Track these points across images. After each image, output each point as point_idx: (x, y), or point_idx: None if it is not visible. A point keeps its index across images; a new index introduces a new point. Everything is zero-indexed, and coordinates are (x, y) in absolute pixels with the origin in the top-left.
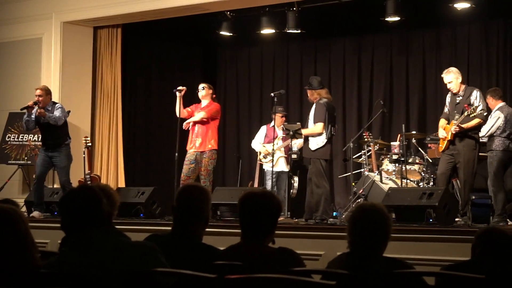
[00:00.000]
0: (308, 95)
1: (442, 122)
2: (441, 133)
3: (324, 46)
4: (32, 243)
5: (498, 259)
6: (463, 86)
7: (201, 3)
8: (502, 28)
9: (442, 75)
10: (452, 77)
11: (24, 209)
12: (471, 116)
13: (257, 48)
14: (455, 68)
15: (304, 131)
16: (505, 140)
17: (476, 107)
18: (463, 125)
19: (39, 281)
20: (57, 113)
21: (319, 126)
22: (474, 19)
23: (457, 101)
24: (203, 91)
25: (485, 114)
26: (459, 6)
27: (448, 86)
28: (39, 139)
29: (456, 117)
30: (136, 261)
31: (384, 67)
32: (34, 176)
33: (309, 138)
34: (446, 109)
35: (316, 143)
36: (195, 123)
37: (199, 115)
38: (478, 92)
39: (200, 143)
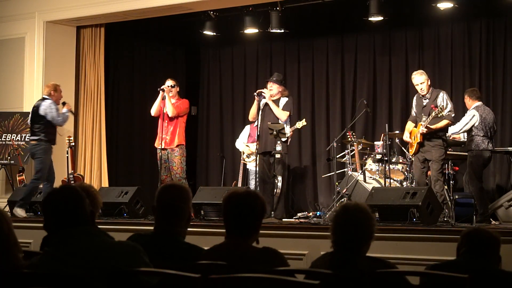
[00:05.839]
0: (273, 88)
1: (409, 125)
2: (406, 138)
3: (307, 46)
4: (15, 243)
5: (483, 259)
6: (430, 89)
7: (184, 2)
8: (484, 28)
9: (412, 76)
10: (423, 79)
11: (7, 209)
12: (439, 116)
13: (240, 48)
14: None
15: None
16: (484, 140)
17: (443, 106)
18: (431, 126)
19: (22, 281)
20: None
21: (286, 114)
22: (457, 19)
23: (424, 103)
24: (173, 89)
25: (452, 115)
26: (442, 6)
27: (419, 87)
28: (22, 139)
29: (424, 118)
30: (119, 261)
31: (367, 67)
32: (37, 175)
33: (278, 131)
34: (413, 112)
35: (286, 137)
36: (163, 119)
37: (169, 110)
38: (445, 94)
39: (169, 140)
